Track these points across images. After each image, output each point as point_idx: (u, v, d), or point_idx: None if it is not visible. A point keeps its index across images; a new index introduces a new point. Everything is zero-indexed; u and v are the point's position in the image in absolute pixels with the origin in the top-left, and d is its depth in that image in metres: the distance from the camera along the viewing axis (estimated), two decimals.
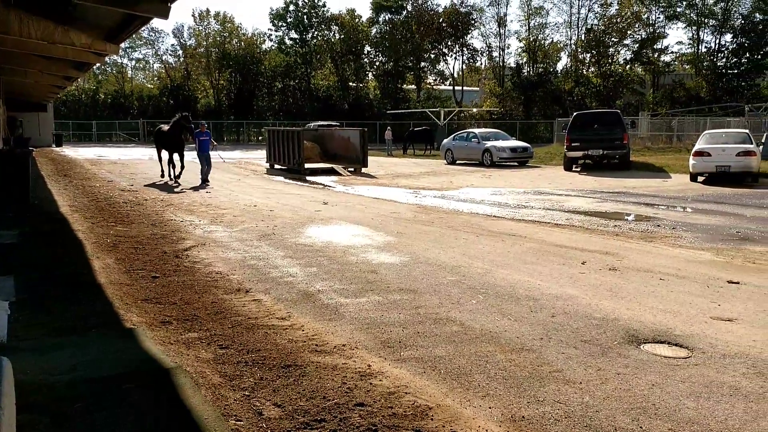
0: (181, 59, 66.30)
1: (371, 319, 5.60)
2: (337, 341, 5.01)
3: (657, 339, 5.09)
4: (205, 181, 19.34)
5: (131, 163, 28.58)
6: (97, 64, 31.36)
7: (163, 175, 20.92)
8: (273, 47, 67.25)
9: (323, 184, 20.71)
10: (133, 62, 70.98)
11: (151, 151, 27.87)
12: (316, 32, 66.23)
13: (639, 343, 4.99)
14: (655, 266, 7.87)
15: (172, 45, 71.59)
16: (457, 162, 30.63)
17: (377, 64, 66.51)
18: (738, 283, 7.02)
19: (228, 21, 66.41)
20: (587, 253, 8.73)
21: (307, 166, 24.54)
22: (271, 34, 67.57)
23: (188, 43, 65.85)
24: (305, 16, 65.45)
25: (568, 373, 4.34)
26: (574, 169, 25.72)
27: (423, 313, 5.76)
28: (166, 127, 20.75)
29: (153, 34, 66.21)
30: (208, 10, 68.35)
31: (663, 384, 4.15)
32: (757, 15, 53.55)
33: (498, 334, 5.21)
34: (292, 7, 65.32)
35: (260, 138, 51.01)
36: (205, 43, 65.21)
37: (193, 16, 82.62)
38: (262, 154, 30.39)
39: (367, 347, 4.87)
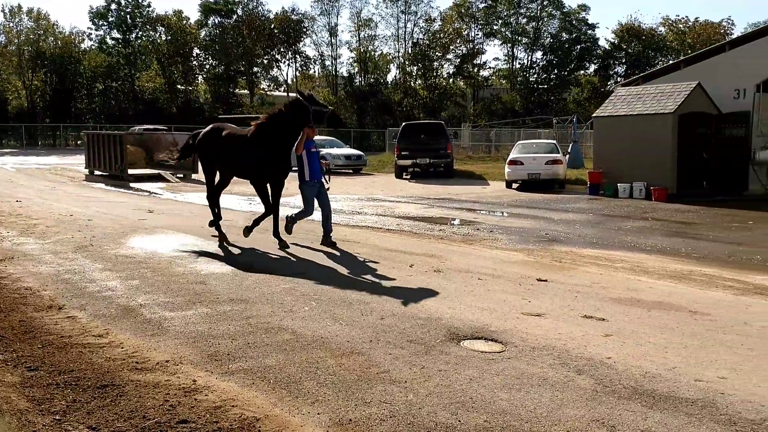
0: None
1: (198, 332, 5.41)
2: (160, 357, 4.77)
3: (475, 335, 5.41)
4: (328, 237, 9.97)
5: None
6: None
7: (222, 241, 10.00)
8: (93, 47, 62.96)
9: (149, 192, 19.69)
10: None
11: None
12: (140, 33, 62.98)
13: (459, 340, 5.27)
14: (475, 267, 8.37)
15: None
16: (294, 169, 30.49)
17: (207, 67, 64.60)
18: (546, 280, 7.66)
19: (43, 18, 61.02)
20: (415, 257, 9.09)
21: (131, 172, 23.23)
22: (90, 33, 63.32)
23: None
24: (128, 16, 62.02)
25: (394, 373, 4.48)
26: (404, 176, 26.76)
27: (254, 323, 5.67)
28: (247, 128, 10.05)
29: None
30: (19, 6, 62.32)
31: (480, 378, 4.41)
32: (564, 34, 59.03)
33: (329, 339, 5.26)
34: (114, 6, 61.59)
35: (79, 142, 47.40)
36: (16, 41, 59.44)
37: (2, 11, 75.00)
38: (81, 159, 28.23)
39: (193, 362, 4.70)
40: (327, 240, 9.94)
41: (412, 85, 60.85)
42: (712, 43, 25.61)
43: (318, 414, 3.83)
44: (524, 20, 60.05)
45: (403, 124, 29.07)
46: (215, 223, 10.31)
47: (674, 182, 17.97)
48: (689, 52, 38.89)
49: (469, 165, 31.12)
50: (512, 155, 22.38)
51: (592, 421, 3.78)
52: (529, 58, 60.96)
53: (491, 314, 6.06)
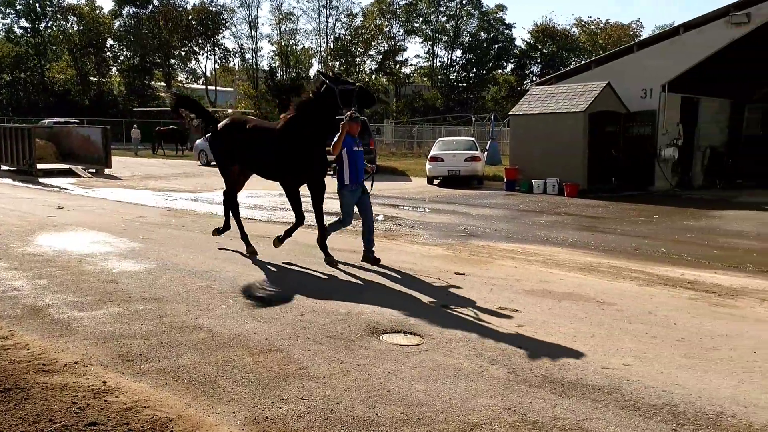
0: None
1: (109, 332, 5.22)
2: (68, 359, 4.58)
3: (395, 329, 5.47)
4: (370, 252, 8.50)
5: None
6: None
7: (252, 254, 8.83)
8: (0, 36, 59.50)
9: (59, 187, 18.81)
10: None
11: None
12: (51, 22, 59.99)
13: (379, 334, 5.32)
14: (396, 262, 8.45)
15: None
16: (212, 164, 29.87)
17: (122, 58, 62.25)
18: (464, 274, 7.83)
19: None
20: (337, 252, 9.07)
21: (40, 166, 22.15)
22: None
23: None
24: (38, 4, 58.94)
25: (312, 369, 4.47)
26: (328, 173, 26.59)
27: (168, 322, 5.52)
28: (275, 122, 9.08)
29: None
30: None
31: (398, 371, 4.47)
32: (483, 33, 60.29)
33: (247, 337, 5.19)
34: None
35: None
36: None
37: None
38: None
39: (103, 363, 4.53)
40: (369, 256, 8.38)
41: None
42: (622, 44, 26.75)
43: (233, 413, 3.78)
44: (444, 18, 60.98)
45: None
46: (242, 235, 9.03)
47: (585, 178, 18.68)
48: (601, 52, 40.52)
49: (392, 161, 31.33)
50: (433, 152, 22.70)
51: (504, 409, 3.90)
52: (449, 56, 62.01)
53: (411, 308, 6.14)
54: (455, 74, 61.57)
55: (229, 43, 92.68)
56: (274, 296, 6.50)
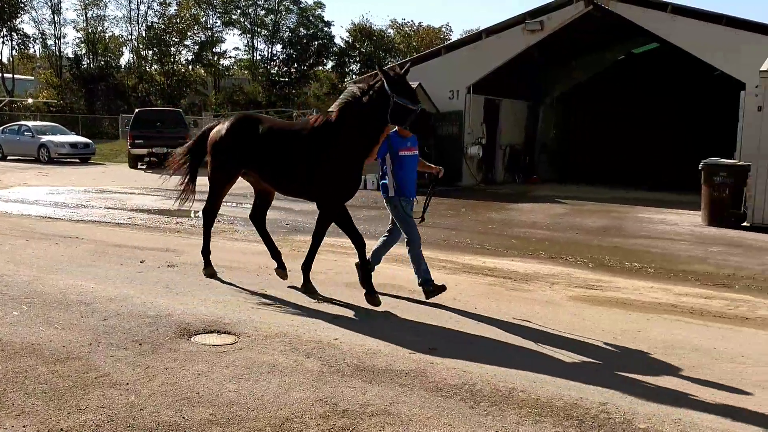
0: None
1: None
2: None
3: (208, 329, 5.33)
4: (429, 287, 6.47)
5: None
6: None
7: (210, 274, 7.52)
8: None
9: None
10: None
11: None
12: None
13: (190, 336, 5.15)
14: (213, 260, 8.21)
15: None
16: (9, 158, 27.33)
17: None
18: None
19: None
20: (147, 252, 8.65)
21: None
22: None
23: None
24: None
25: (115, 376, 4.23)
26: (140, 166, 25.27)
27: None
28: (308, 119, 7.08)
29: None
30: None
31: (209, 372, 4.36)
32: (302, 29, 60.31)
33: (42, 345, 4.78)
34: None
35: None
36: None
37: None
38: None
39: None
40: (430, 287, 6.44)
41: (148, 70, 57.49)
42: (434, 47, 28.16)
43: (24, 427, 3.47)
44: (263, 12, 60.12)
45: (137, 110, 27.45)
46: (206, 254, 7.41)
47: None
48: (415, 53, 42.33)
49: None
50: None
51: (316, 401, 3.96)
52: (270, 50, 61.28)
53: (226, 306, 6.02)
54: (276, 69, 61.03)
55: (29, 28, 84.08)
56: (73, 301, 6.04)
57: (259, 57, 61.33)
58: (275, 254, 7.26)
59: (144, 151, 24.79)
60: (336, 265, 8.28)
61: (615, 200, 16.90)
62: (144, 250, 8.74)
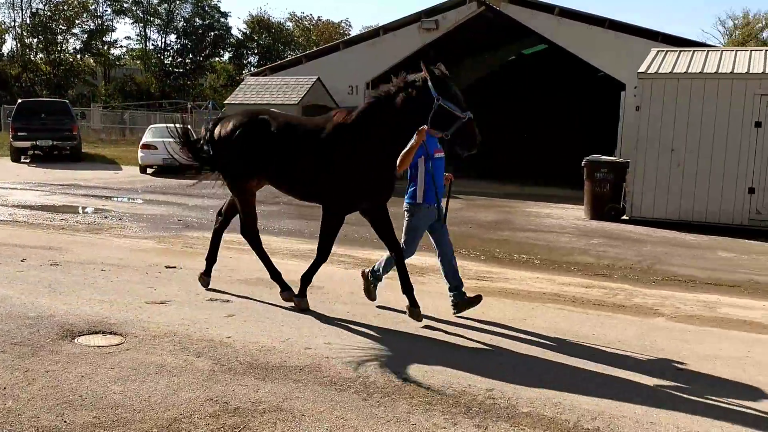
0: None
1: None
2: None
3: (93, 330, 5.11)
4: (461, 293, 6.04)
5: None
6: None
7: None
8: None
9: None
10: None
11: None
12: None
13: (74, 337, 4.93)
14: (99, 258, 7.89)
15: None
16: None
17: None
18: (175, 267, 7.61)
19: None
20: (29, 250, 8.18)
21: None
22: None
23: None
24: None
25: None
26: (23, 160, 23.85)
27: None
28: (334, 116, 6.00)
29: None
30: None
31: (93, 374, 4.19)
32: (198, 19, 58.57)
33: None
34: None
35: None
36: None
37: None
38: None
39: None
40: (462, 300, 6.02)
41: (33, 58, 54.02)
42: (333, 42, 28.15)
43: None
44: (156, 1, 57.90)
45: (19, 101, 25.85)
46: (277, 278, 6.40)
47: None
48: (314, 47, 42.14)
49: (100, 148, 29.02)
50: (145, 139, 21.59)
51: (206, 400, 3.90)
52: (164, 40, 59.13)
53: (112, 306, 5.79)
54: (170, 59, 58.95)
55: None
56: None
57: (152, 47, 59.10)
58: (212, 260, 6.70)
59: (27, 143, 23.42)
60: (231, 261, 8.15)
61: (507, 195, 17.59)
62: (26, 248, 8.26)
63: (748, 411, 4.15)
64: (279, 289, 6.28)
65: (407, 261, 6.02)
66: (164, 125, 25.61)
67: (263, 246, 6.44)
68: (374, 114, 5.64)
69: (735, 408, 4.19)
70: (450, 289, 6.06)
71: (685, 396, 4.35)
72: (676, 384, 4.58)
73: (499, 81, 24.10)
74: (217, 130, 6.32)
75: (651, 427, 3.82)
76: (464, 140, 5.44)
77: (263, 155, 5.97)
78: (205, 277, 6.66)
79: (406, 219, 6.07)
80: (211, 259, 6.72)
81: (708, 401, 4.28)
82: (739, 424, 3.92)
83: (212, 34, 59.16)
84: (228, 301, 6.20)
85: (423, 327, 5.64)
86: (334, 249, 8.74)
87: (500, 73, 24.18)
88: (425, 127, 5.40)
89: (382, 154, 5.64)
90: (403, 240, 6.05)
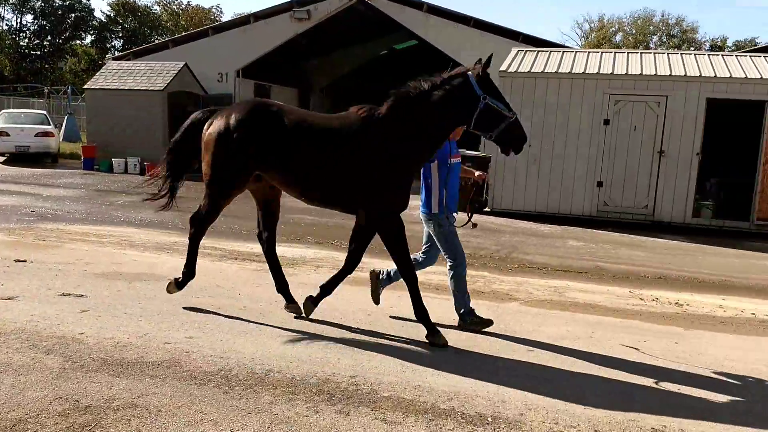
0: None
1: None
2: None
3: None
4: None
5: None
6: None
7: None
8: None
9: None
10: None
11: None
12: None
13: None
14: None
15: None
16: None
17: None
18: (25, 261, 7.14)
19: None
20: None
21: None
22: None
23: None
24: None
25: None
26: None
27: None
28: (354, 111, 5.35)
29: None
30: None
31: None
32: (57, 0, 54.67)
33: None
34: None
35: None
36: None
37: None
38: None
39: None
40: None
41: None
42: (202, 27, 27.26)
43: None
44: None
45: None
46: (188, 277, 5.82)
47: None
48: (183, 32, 40.60)
49: None
50: None
51: (55, 399, 3.71)
52: (19, 20, 54.68)
53: None
54: (26, 41, 54.60)
55: None
56: None
57: (6, 27, 54.49)
58: (282, 286, 5.94)
59: None
60: (87, 254, 7.74)
61: None
62: None
63: (590, 383, 4.53)
64: (139, 284, 6.07)
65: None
66: (19, 111, 23.84)
67: (198, 246, 5.96)
68: (408, 109, 5.21)
69: (580, 382, 4.56)
70: (383, 283, 6.03)
71: (534, 374, 4.68)
72: (528, 362, 4.91)
73: (373, 74, 24.40)
74: (214, 126, 5.49)
75: (502, 405, 4.07)
76: (513, 140, 5.23)
77: (277, 153, 5.28)
78: (291, 305, 5.85)
79: (436, 231, 5.78)
80: (281, 283, 5.96)
81: (555, 378, 4.62)
82: (580, 396, 4.27)
83: (73, 15, 55.43)
84: (82, 295, 5.89)
85: (290, 321, 5.65)
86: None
87: (373, 66, 24.49)
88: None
89: (415, 155, 5.28)
90: (446, 256, 5.72)
